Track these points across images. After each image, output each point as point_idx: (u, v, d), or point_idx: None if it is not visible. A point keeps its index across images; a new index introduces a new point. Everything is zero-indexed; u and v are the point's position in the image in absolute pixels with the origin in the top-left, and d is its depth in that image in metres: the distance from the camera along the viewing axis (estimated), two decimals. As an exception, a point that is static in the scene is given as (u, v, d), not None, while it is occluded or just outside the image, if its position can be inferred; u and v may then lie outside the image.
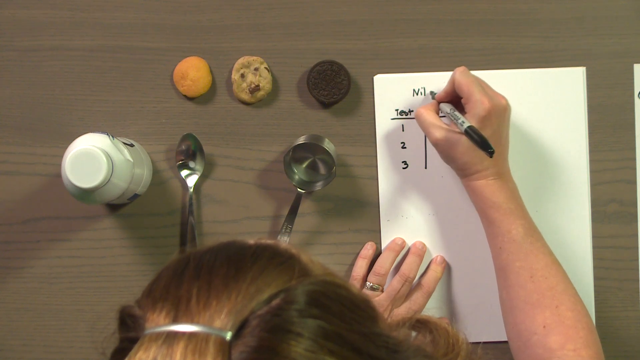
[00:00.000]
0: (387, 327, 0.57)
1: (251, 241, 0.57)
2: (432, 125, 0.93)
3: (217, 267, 0.54)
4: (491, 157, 0.86)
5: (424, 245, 1.01)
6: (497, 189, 0.92)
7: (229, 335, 0.50)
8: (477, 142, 0.87)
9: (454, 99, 0.95)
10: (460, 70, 0.93)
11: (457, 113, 0.91)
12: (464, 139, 0.89)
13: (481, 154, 0.88)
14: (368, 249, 1.00)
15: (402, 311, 0.97)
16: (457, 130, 0.91)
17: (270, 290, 0.52)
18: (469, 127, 0.88)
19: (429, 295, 0.99)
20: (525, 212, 0.92)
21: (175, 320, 0.51)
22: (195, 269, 0.54)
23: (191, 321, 0.51)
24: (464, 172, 0.93)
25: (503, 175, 0.92)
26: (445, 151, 0.92)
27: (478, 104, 0.89)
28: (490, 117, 0.89)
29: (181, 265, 0.55)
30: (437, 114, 0.96)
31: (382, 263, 0.98)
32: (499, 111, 0.91)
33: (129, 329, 0.54)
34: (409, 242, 1.01)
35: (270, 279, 0.53)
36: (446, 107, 0.94)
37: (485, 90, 0.91)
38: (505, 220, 0.91)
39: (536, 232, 0.92)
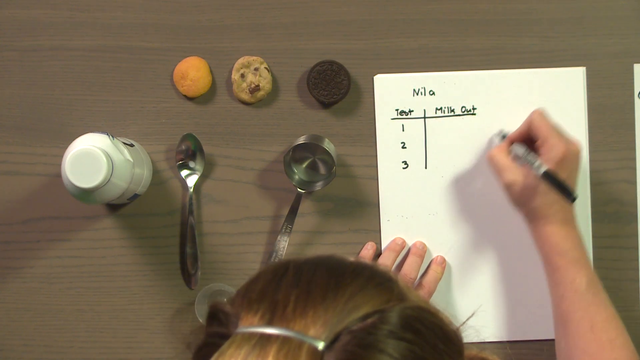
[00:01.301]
0: None
1: (351, 258, 0.58)
2: (505, 167, 0.92)
3: (317, 278, 0.54)
4: (572, 202, 0.86)
5: (424, 245, 1.00)
6: (564, 236, 0.91)
7: (321, 345, 0.50)
8: (557, 187, 0.87)
9: (526, 141, 0.94)
10: (538, 112, 0.93)
11: (531, 156, 0.91)
12: (539, 183, 0.89)
13: (554, 198, 0.89)
14: (368, 249, 1.00)
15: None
16: (532, 173, 0.90)
17: (366, 308, 0.52)
18: (546, 170, 0.88)
19: (429, 296, 0.99)
20: (589, 262, 0.92)
21: (270, 323, 0.52)
22: (294, 276, 0.55)
23: (286, 326, 0.51)
24: (533, 217, 0.92)
25: (570, 222, 0.92)
26: (517, 194, 0.92)
27: (554, 148, 0.89)
28: (564, 161, 0.89)
29: (280, 270, 0.56)
30: (508, 155, 0.94)
31: (383, 263, 0.98)
32: (573, 157, 0.91)
33: (221, 324, 0.54)
34: (409, 242, 1.01)
35: (368, 297, 0.53)
36: (519, 149, 0.93)
37: (560, 134, 0.91)
38: (571, 268, 0.90)
39: (599, 283, 0.91)
